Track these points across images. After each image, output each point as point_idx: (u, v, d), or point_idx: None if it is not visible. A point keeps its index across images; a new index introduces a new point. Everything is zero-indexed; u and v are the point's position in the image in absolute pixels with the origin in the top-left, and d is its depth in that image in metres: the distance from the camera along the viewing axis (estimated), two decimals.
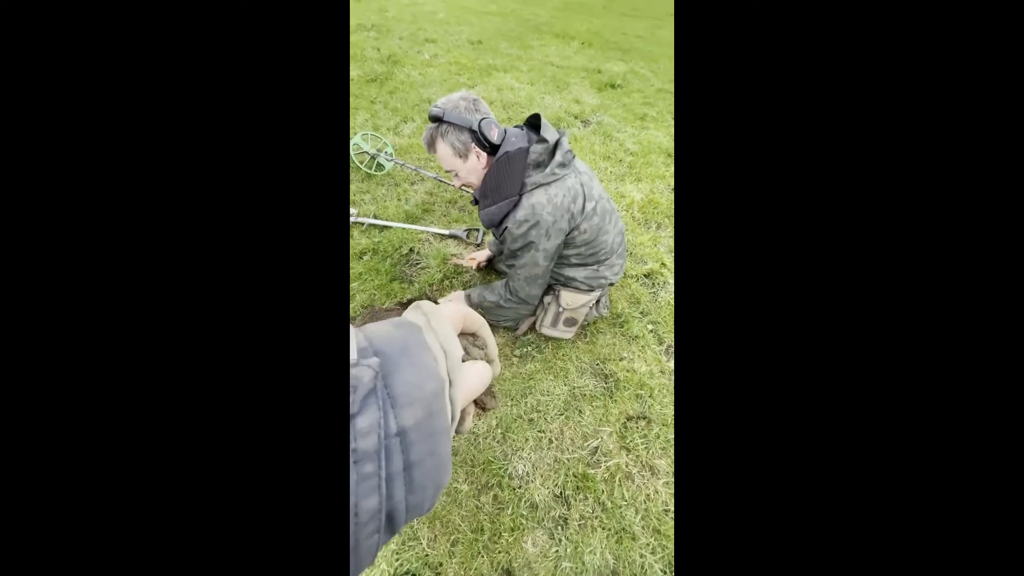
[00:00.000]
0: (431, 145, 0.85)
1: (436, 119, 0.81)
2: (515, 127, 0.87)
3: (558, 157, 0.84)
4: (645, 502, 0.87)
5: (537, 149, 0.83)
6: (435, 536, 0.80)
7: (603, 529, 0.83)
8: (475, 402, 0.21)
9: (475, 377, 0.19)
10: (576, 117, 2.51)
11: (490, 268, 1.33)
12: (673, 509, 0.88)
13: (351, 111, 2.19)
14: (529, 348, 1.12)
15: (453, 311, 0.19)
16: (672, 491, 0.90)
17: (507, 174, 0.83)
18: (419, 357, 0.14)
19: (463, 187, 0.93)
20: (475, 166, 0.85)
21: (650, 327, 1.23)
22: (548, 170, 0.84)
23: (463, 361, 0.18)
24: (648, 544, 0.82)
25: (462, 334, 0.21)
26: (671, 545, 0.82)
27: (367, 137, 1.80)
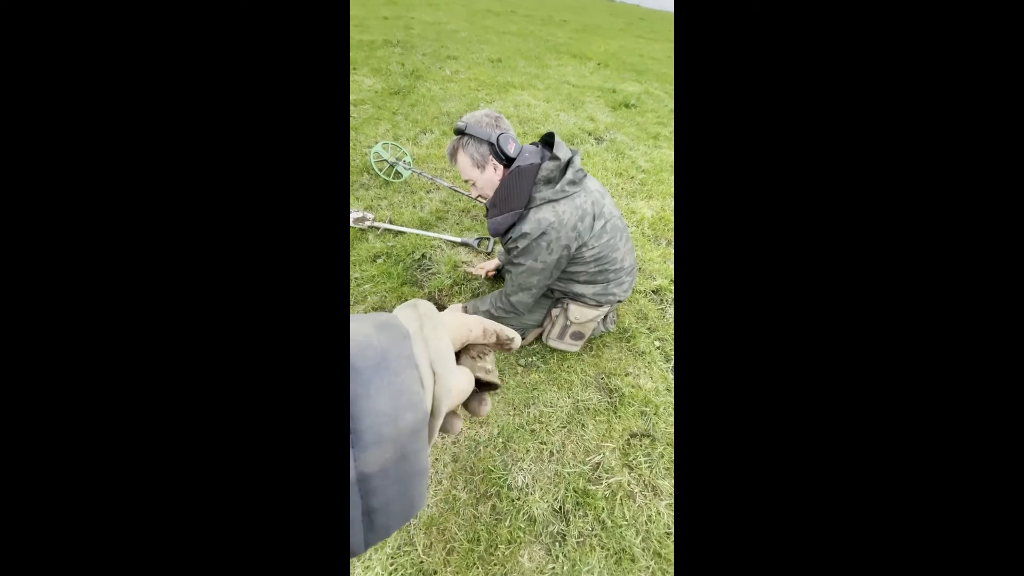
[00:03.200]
0: (453, 155, 0.90)
1: (459, 132, 0.87)
2: (531, 144, 0.91)
3: (569, 175, 0.87)
4: (646, 523, 0.85)
5: (549, 166, 0.86)
6: (431, 543, 0.79)
7: (602, 548, 0.81)
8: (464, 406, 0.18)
9: (459, 387, 0.15)
10: (590, 134, 2.56)
11: (498, 277, 1.35)
12: (674, 533, 0.85)
13: (373, 122, 2.29)
14: (534, 358, 1.12)
15: (453, 321, 0.15)
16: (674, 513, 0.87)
17: (516, 187, 0.87)
18: (399, 377, 0.11)
19: (479, 198, 0.96)
20: (491, 178, 0.89)
21: (657, 343, 1.22)
22: (558, 187, 0.86)
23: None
24: (648, 567, 0.79)
25: (464, 351, 0.17)
26: (672, 570, 0.80)
27: (387, 146, 1.87)
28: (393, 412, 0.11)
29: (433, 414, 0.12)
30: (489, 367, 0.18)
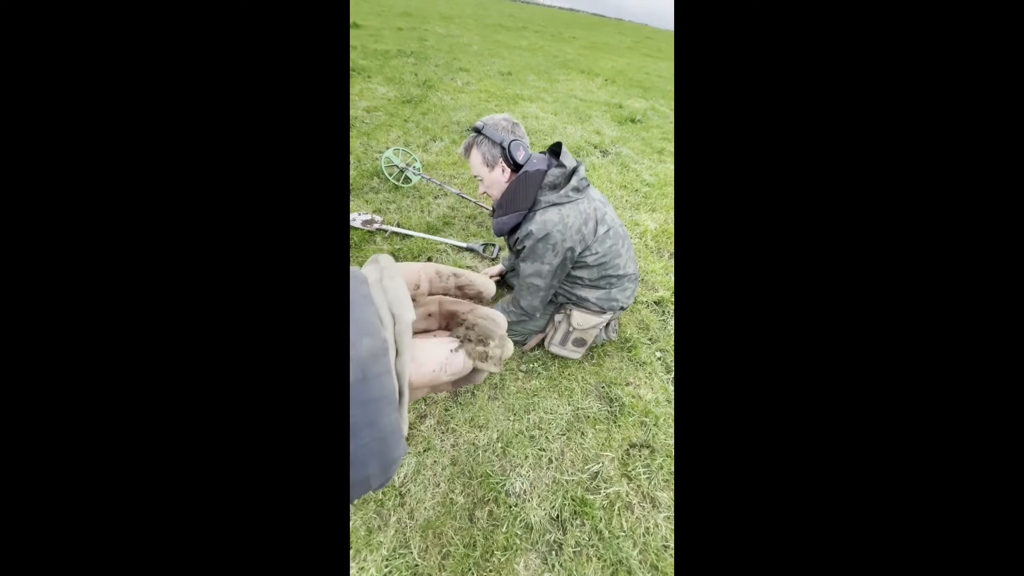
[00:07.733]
0: (467, 150, 0.94)
1: (476, 130, 0.91)
2: (540, 152, 0.95)
3: (573, 182, 0.91)
4: (644, 535, 0.84)
5: (555, 172, 0.90)
6: (427, 547, 0.79)
7: (599, 559, 0.80)
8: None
9: (437, 358, 0.15)
10: (596, 147, 2.60)
11: (502, 283, 1.36)
12: (673, 546, 0.84)
13: (385, 128, 2.34)
14: (535, 364, 1.13)
15: (414, 269, 0.16)
16: (673, 526, 0.86)
17: (522, 190, 0.90)
18: (356, 311, 0.12)
19: (483, 194, 0.99)
20: (498, 179, 0.93)
21: (658, 354, 1.22)
22: (563, 192, 0.90)
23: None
24: None
25: (452, 320, 0.17)
26: None
27: (398, 152, 1.91)
28: (352, 337, 0.12)
29: (397, 352, 0.13)
30: (492, 352, 0.16)
